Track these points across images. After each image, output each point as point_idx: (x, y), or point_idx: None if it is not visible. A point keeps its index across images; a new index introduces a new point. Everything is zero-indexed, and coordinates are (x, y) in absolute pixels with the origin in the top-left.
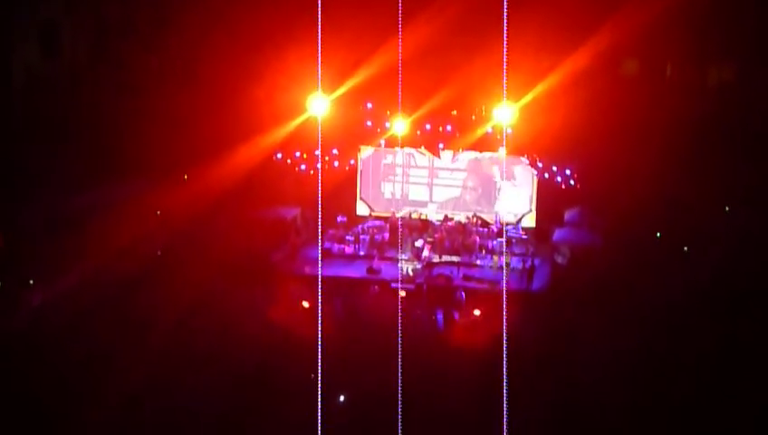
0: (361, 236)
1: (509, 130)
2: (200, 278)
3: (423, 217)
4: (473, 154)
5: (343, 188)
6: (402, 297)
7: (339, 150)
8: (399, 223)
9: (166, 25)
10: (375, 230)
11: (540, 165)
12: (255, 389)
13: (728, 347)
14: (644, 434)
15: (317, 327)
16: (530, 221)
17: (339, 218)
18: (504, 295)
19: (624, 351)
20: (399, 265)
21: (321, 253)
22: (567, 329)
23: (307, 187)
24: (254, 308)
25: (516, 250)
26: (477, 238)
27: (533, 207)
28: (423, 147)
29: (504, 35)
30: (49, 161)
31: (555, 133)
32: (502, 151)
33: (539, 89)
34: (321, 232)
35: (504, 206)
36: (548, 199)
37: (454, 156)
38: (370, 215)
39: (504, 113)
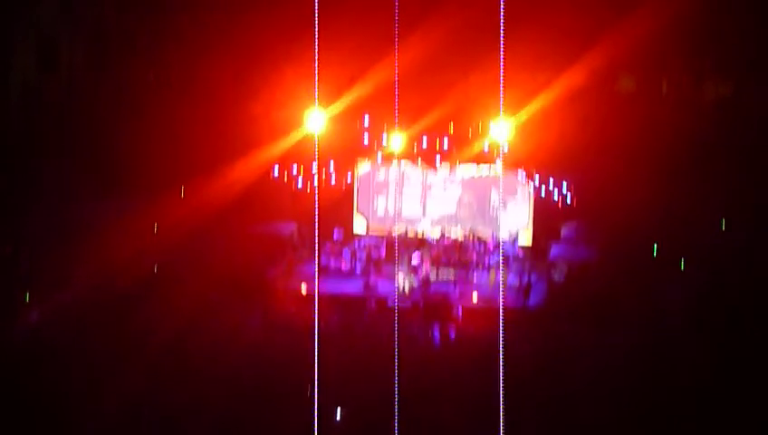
0: (358, 253)
1: (505, 146)
2: (197, 293)
3: (420, 233)
4: (469, 169)
5: (340, 204)
6: (399, 314)
7: (336, 166)
8: (396, 240)
9: (164, 41)
10: (372, 247)
11: (536, 180)
12: (252, 403)
13: (724, 361)
14: None
15: (314, 342)
16: (526, 238)
17: (335, 234)
18: (501, 312)
19: (620, 366)
20: (396, 281)
21: (318, 269)
22: (563, 345)
23: (304, 202)
24: (250, 323)
25: (513, 267)
26: (474, 255)
27: (530, 224)
28: (420, 161)
29: (501, 51)
30: (46, 176)
31: (551, 148)
32: (498, 166)
33: (535, 104)
34: (318, 248)
35: (500, 222)
36: (545, 215)
37: (450, 171)
38: (367, 231)
39: (501, 129)
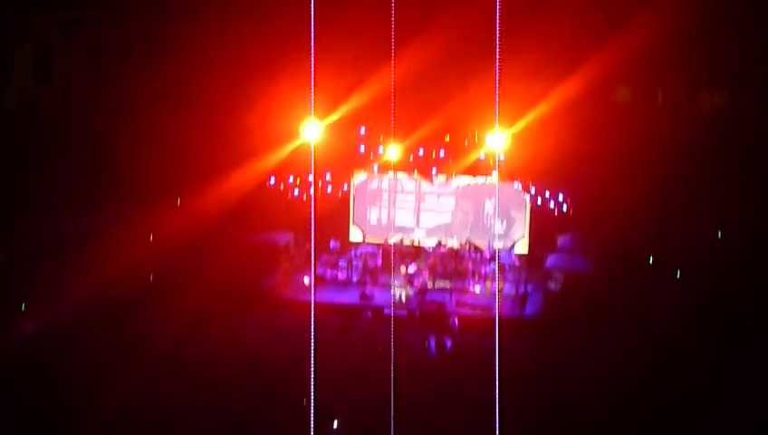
0: (354, 262)
1: (501, 156)
2: (193, 302)
3: (416, 243)
4: (465, 180)
5: (336, 214)
6: (395, 323)
7: (332, 176)
8: (392, 249)
9: (161, 51)
10: (368, 256)
11: (532, 191)
12: (247, 414)
13: (720, 369)
14: None
15: (310, 351)
16: (522, 247)
17: (332, 244)
18: (497, 322)
19: (616, 375)
20: (392, 291)
21: (314, 279)
22: (560, 354)
23: (300, 212)
24: (246, 332)
25: (509, 276)
26: (470, 264)
27: (526, 233)
28: (416, 172)
29: (497, 62)
30: (42, 186)
31: (547, 159)
32: (494, 177)
33: (531, 115)
34: (314, 258)
35: (496, 231)
36: (541, 225)
37: (446, 181)
38: (364, 240)
39: (497, 139)
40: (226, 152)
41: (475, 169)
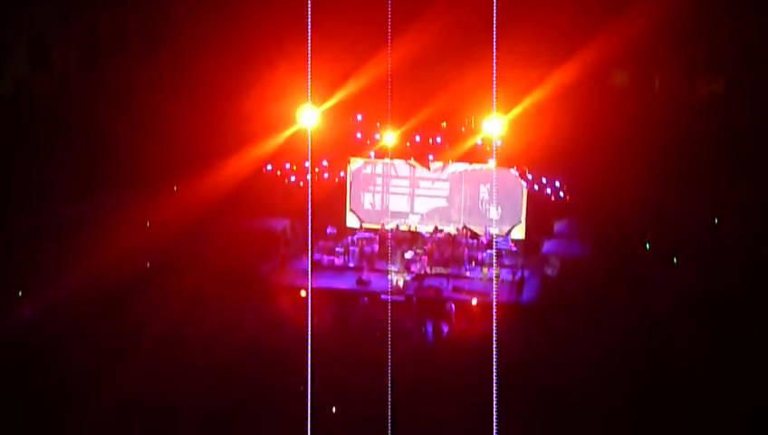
0: (351, 248)
1: (498, 142)
2: (190, 289)
3: (413, 228)
4: (462, 166)
5: (333, 200)
6: (392, 308)
7: (329, 162)
8: (389, 235)
9: (157, 38)
10: (365, 242)
11: (529, 177)
12: (245, 400)
13: (716, 355)
14: None
15: (307, 336)
16: (519, 233)
17: (328, 230)
18: (494, 307)
19: (613, 361)
20: (389, 276)
21: (311, 264)
22: (556, 339)
23: (297, 198)
24: (243, 318)
25: (506, 262)
26: (467, 250)
27: (523, 219)
28: (412, 158)
29: (494, 48)
30: (38, 172)
31: (544, 145)
32: (491, 163)
33: (528, 101)
34: (311, 244)
35: (493, 217)
36: (538, 211)
37: (443, 167)
38: (361, 226)
39: (494, 125)
40: (223, 138)
41: (472, 156)
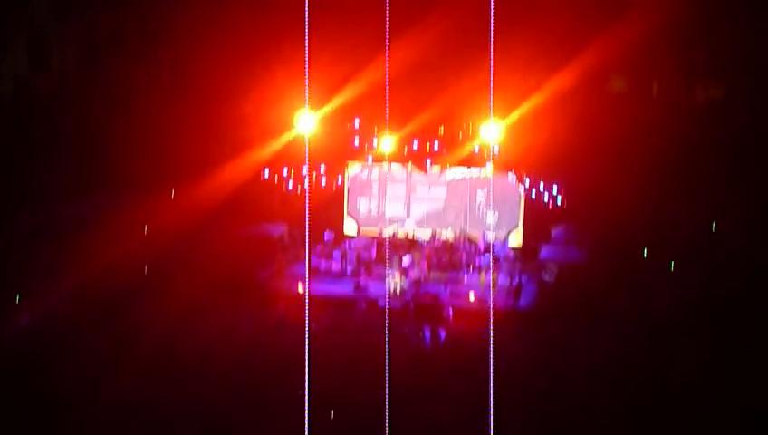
0: (349, 254)
1: (496, 147)
2: (187, 294)
3: (410, 234)
4: (460, 171)
5: (331, 205)
6: (389, 314)
7: (326, 167)
8: (387, 240)
9: (155, 41)
10: (362, 248)
11: (527, 182)
12: (242, 405)
13: (714, 360)
14: None
15: (305, 342)
16: (517, 238)
17: (326, 236)
18: (491, 313)
19: (610, 366)
20: (387, 282)
21: (309, 270)
22: (554, 345)
23: (294, 203)
24: (241, 324)
25: (503, 267)
26: (464, 256)
27: (521, 224)
28: (410, 163)
29: (491, 53)
30: (34, 175)
31: (542, 150)
32: (489, 168)
33: (526, 106)
34: (309, 249)
35: (490, 223)
36: (535, 216)
37: (441, 172)
38: (359, 232)
39: (491, 130)
40: (221, 143)
41: (470, 161)
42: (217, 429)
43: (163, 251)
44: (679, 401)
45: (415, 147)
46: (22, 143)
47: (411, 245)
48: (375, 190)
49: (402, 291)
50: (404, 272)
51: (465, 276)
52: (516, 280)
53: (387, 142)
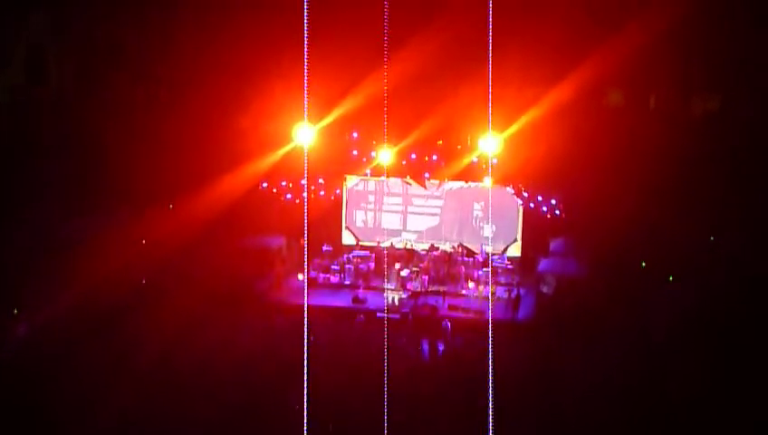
0: (347, 266)
1: (494, 161)
2: (185, 306)
3: (409, 246)
4: (458, 184)
5: (329, 218)
6: (388, 326)
7: (325, 180)
8: (385, 252)
9: (153, 54)
10: (360, 260)
11: (525, 195)
12: (241, 417)
13: (711, 374)
14: None
15: (303, 355)
16: (515, 251)
17: (324, 248)
18: (490, 325)
19: (609, 379)
20: (385, 294)
21: (307, 282)
22: (552, 359)
23: (292, 216)
24: (239, 336)
25: (502, 280)
26: (463, 268)
27: (519, 237)
28: (408, 176)
29: (489, 67)
30: (33, 188)
31: (540, 163)
32: (487, 181)
33: (524, 119)
34: (307, 261)
35: (489, 235)
36: (534, 229)
37: (439, 185)
38: (357, 244)
39: (490, 143)
40: (219, 156)
41: (468, 174)
42: None
43: (162, 264)
44: (677, 414)
45: (413, 159)
46: (19, 156)
47: (410, 257)
48: (373, 203)
49: (401, 303)
50: (402, 284)
51: (464, 289)
52: (515, 292)
53: (385, 155)
